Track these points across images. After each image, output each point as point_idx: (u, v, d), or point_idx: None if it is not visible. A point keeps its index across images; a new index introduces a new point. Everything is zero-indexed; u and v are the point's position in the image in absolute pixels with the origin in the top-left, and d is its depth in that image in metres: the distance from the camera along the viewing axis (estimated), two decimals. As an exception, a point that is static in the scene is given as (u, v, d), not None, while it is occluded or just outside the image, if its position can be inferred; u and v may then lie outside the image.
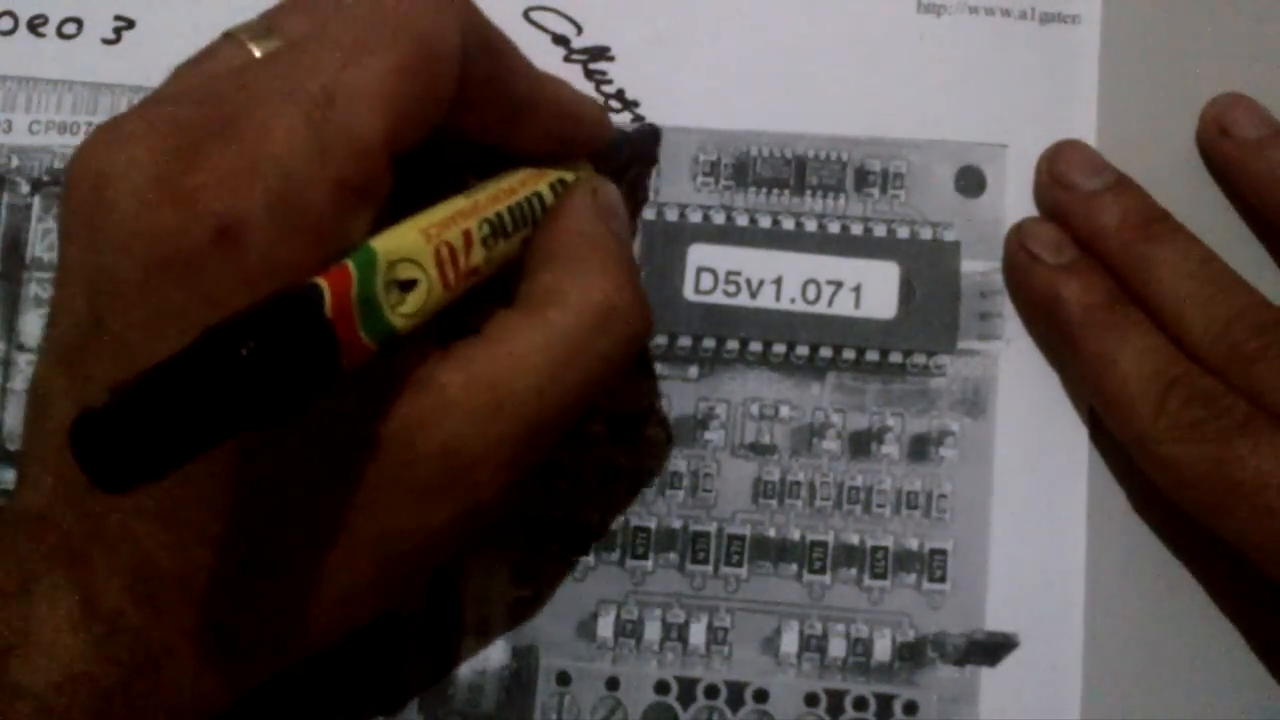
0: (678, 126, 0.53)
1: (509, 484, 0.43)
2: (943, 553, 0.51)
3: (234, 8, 0.52)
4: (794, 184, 0.53)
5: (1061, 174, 0.51)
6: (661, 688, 0.49)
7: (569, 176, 0.47)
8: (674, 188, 0.53)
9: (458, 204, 0.43)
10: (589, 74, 0.54)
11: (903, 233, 0.51)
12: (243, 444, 0.36)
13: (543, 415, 0.42)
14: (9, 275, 0.50)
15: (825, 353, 0.51)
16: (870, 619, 0.51)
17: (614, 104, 0.53)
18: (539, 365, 0.42)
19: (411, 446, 0.41)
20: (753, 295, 0.51)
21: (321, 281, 0.37)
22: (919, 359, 0.51)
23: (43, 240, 0.50)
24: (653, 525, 0.51)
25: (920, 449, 0.51)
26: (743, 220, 0.51)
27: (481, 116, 0.44)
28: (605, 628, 0.51)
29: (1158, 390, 0.47)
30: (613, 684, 0.49)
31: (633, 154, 0.52)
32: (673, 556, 0.51)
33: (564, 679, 0.49)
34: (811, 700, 0.49)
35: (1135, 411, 0.47)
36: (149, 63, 0.53)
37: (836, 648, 0.51)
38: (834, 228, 0.51)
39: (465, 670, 0.50)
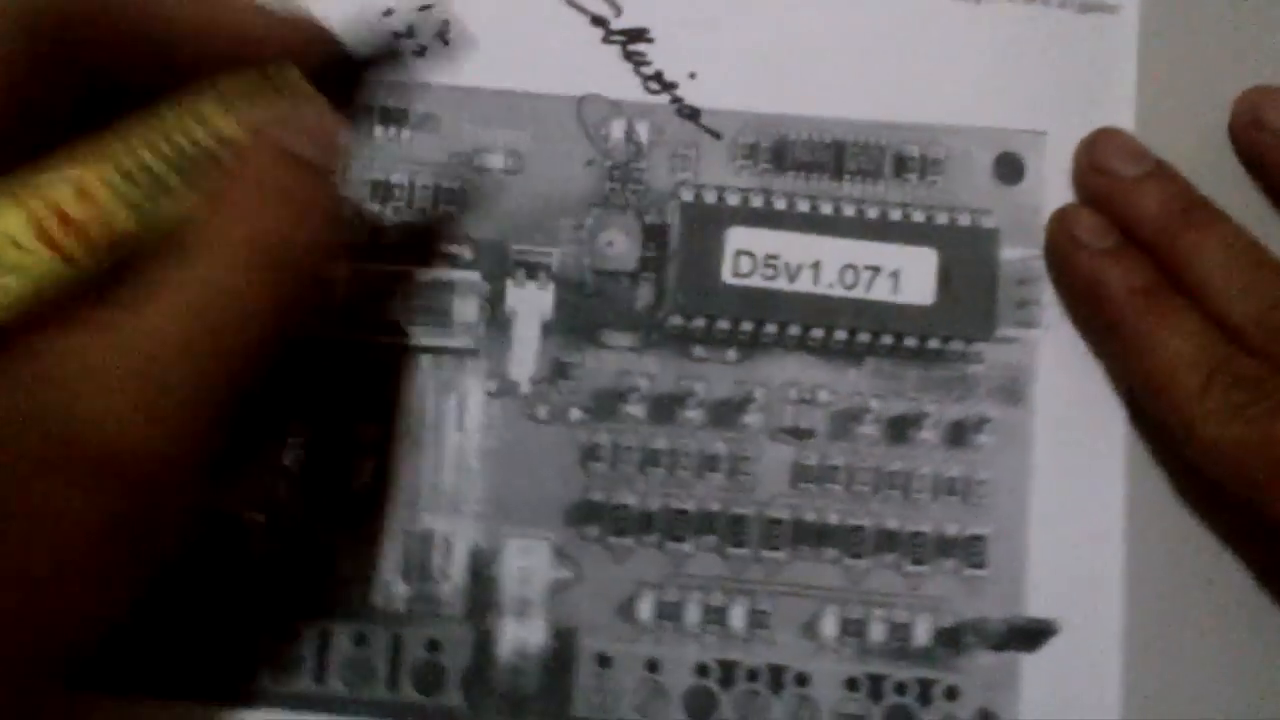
0: (716, 109, 0.53)
1: (193, 468, 0.37)
2: (981, 538, 0.51)
3: None
4: (832, 168, 0.53)
5: (1101, 161, 0.51)
6: (702, 670, 0.49)
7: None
8: (712, 170, 0.53)
9: (76, 156, 0.37)
10: (627, 55, 0.54)
11: (941, 219, 0.51)
12: None
13: (205, 380, 0.36)
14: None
15: (863, 338, 0.51)
16: (909, 604, 0.51)
17: (652, 85, 0.53)
18: (185, 322, 0.36)
19: (58, 431, 0.35)
20: (791, 279, 0.51)
21: None
22: (957, 345, 0.51)
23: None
24: (692, 508, 0.51)
25: (958, 435, 0.51)
26: (781, 204, 0.51)
27: (108, 61, 0.38)
28: (645, 610, 0.51)
29: (1201, 375, 0.47)
30: (653, 666, 0.49)
31: (359, 67, 0.45)
32: (712, 540, 0.51)
33: (604, 661, 0.49)
34: (852, 685, 0.49)
35: (1179, 396, 0.47)
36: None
37: (876, 632, 0.51)
38: (872, 213, 0.51)
39: (506, 653, 0.49)
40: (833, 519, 0.51)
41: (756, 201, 0.51)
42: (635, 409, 0.51)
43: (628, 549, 0.51)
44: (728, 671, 0.49)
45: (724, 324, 0.51)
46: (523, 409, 0.52)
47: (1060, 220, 0.51)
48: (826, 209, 0.51)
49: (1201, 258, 0.49)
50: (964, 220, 0.51)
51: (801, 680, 0.49)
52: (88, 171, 0.36)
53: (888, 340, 0.51)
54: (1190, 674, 0.49)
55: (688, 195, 0.51)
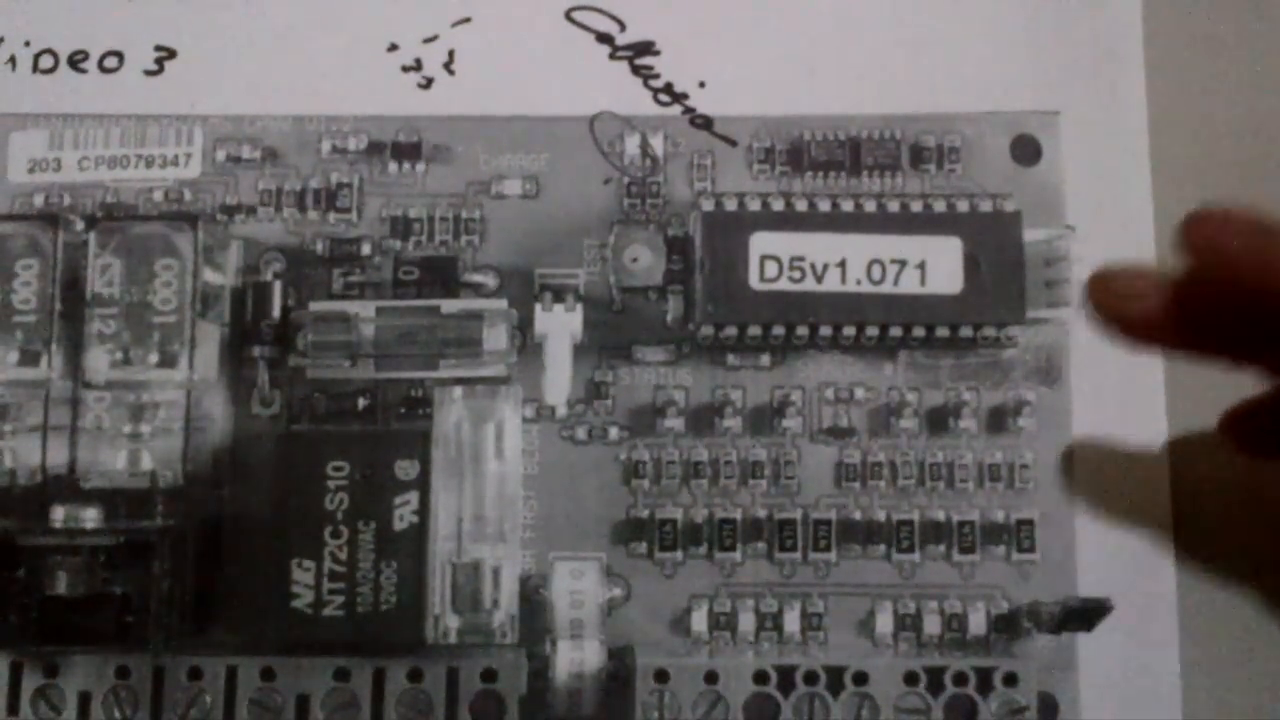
0: (728, 116, 0.53)
1: None
2: (1029, 523, 0.51)
3: (272, 31, 0.53)
4: (849, 165, 0.53)
5: None
6: (760, 678, 0.49)
7: None
8: (730, 177, 0.53)
9: None
10: (636, 69, 0.54)
11: (962, 206, 0.51)
12: None
13: None
14: (71, 313, 0.50)
15: (895, 332, 0.50)
16: (962, 594, 0.51)
17: (663, 98, 0.53)
18: None
19: None
20: (818, 280, 0.50)
21: None
22: (989, 331, 0.50)
23: (101, 276, 0.50)
24: (738, 516, 0.51)
25: (998, 421, 0.52)
26: (802, 205, 0.51)
27: None
28: (699, 622, 0.51)
29: None
30: (711, 678, 0.49)
31: None
32: (761, 546, 0.51)
33: (662, 676, 0.49)
34: (911, 679, 0.49)
35: None
36: (193, 91, 0.53)
37: (931, 625, 0.51)
38: (893, 206, 0.51)
39: (563, 676, 0.49)
40: (879, 515, 0.51)
41: (777, 205, 0.51)
42: (674, 422, 0.52)
43: (677, 562, 0.51)
44: (786, 676, 0.49)
45: (755, 330, 0.50)
46: (561, 432, 0.52)
47: None
48: (848, 206, 0.51)
49: None
50: (985, 206, 0.51)
51: (860, 679, 0.49)
52: None
53: (919, 332, 0.50)
54: (1248, 642, 0.49)
55: (708, 205, 0.50)
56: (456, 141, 0.53)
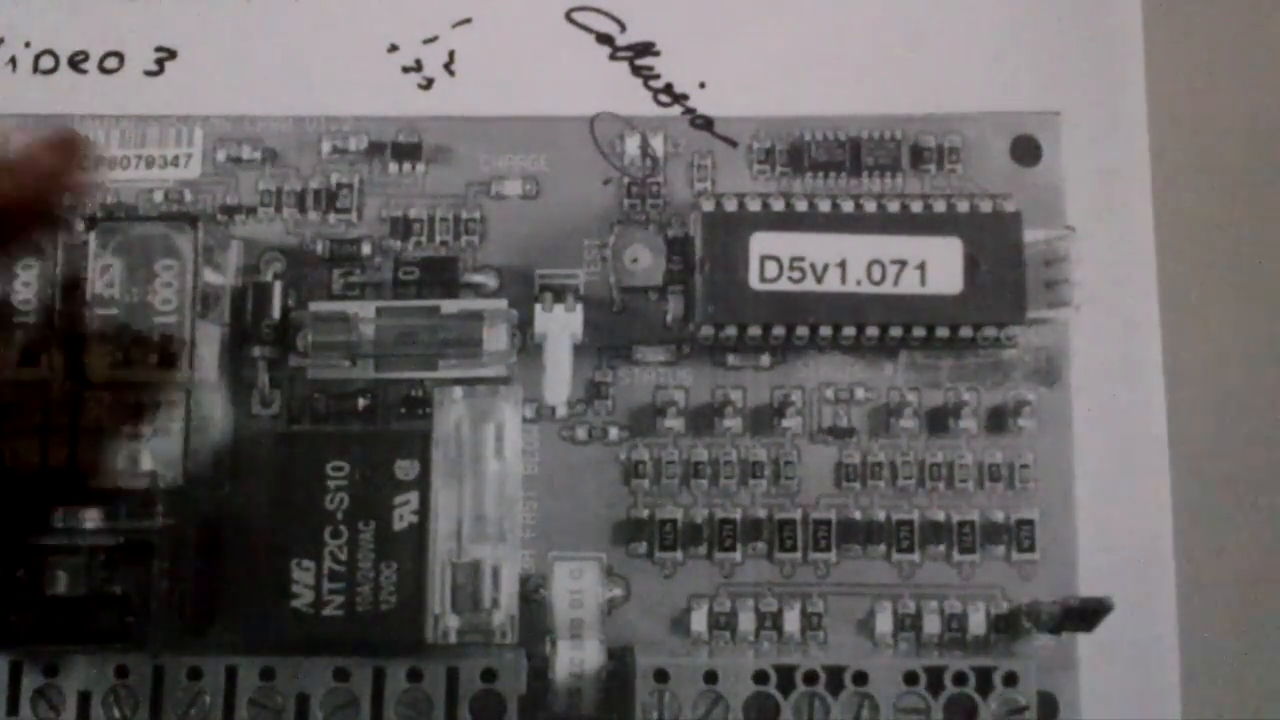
0: (729, 116, 0.53)
1: None
2: (1030, 523, 0.51)
3: (273, 31, 0.53)
4: (850, 165, 0.53)
5: None
6: (760, 678, 0.49)
7: None
8: (730, 178, 0.53)
9: None
10: (636, 70, 0.54)
11: (962, 206, 0.51)
12: None
13: None
14: (71, 314, 0.50)
15: (895, 332, 0.50)
16: (962, 594, 0.51)
17: (663, 98, 0.53)
18: None
19: None
20: (818, 280, 0.50)
21: None
22: (989, 331, 0.50)
23: (102, 277, 0.50)
24: (738, 516, 0.51)
25: (998, 421, 0.52)
26: (802, 205, 0.51)
27: None
28: (699, 622, 0.51)
29: None
30: (711, 678, 0.49)
31: None
32: (760, 546, 0.51)
33: (662, 676, 0.49)
34: (911, 679, 0.49)
35: None
36: (194, 91, 0.53)
37: (931, 625, 0.51)
38: (893, 206, 0.51)
39: (562, 676, 0.50)
40: (879, 515, 0.51)
41: (777, 205, 0.51)
42: (674, 423, 0.52)
43: (677, 562, 0.51)
44: (786, 676, 0.49)
45: (755, 330, 0.50)
46: (561, 432, 0.52)
47: None
48: (848, 207, 0.51)
49: None
50: (985, 206, 0.51)
51: (860, 679, 0.49)
52: None
53: (920, 332, 0.50)
54: (1248, 643, 0.49)
55: (708, 205, 0.50)
56: (456, 142, 0.53)
